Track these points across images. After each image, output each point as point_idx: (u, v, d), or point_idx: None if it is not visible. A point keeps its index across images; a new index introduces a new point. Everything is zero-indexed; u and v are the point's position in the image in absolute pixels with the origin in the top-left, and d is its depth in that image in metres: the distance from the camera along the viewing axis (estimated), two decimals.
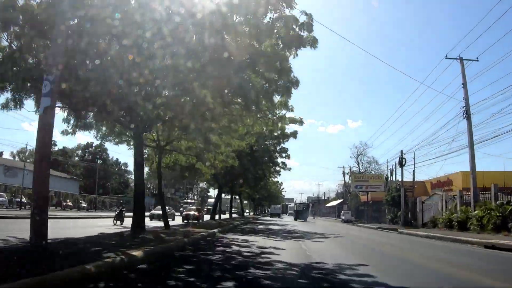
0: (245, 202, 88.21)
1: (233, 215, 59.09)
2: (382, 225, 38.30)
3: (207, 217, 32.22)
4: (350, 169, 75.31)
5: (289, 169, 31.46)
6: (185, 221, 25.08)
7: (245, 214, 69.55)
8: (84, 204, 61.73)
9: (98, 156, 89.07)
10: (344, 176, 73.36)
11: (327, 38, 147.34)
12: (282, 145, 29.83)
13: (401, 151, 35.59)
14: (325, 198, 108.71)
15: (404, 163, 35.25)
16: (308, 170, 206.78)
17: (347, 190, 73.03)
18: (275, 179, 56.94)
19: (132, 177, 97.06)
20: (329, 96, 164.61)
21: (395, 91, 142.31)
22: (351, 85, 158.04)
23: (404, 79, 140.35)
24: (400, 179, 36.18)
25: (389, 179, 46.36)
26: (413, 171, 34.50)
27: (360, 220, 58.11)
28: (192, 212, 25.79)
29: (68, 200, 58.60)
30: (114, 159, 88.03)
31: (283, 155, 30.12)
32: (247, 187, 46.35)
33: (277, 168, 33.32)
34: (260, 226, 28.59)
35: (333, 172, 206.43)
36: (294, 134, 28.51)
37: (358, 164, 75.60)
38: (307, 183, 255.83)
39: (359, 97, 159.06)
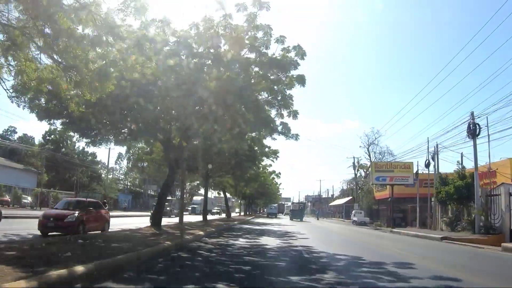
0: (238, 201, 75.79)
1: (214, 216, 45.45)
2: (439, 233, 24.86)
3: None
4: (358, 161, 62.07)
5: (296, 136, 17.58)
6: (45, 231, 11.48)
7: (233, 214, 55.92)
8: (27, 200, 47.48)
9: (61, 145, 74.44)
10: (354, 169, 59.89)
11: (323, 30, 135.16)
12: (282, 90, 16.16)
13: (472, 114, 22.15)
14: (328, 196, 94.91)
15: (478, 131, 21.79)
16: (306, 168, 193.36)
17: (357, 186, 59.57)
18: (270, 168, 43.70)
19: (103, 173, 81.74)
20: (326, 95, 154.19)
21: (392, 91, 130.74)
22: (348, 84, 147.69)
23: (404, 74, 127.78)
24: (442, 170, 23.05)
25: (430, 164, 33.01)
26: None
27: (376, 222, 45.28)
28: (59, 212, 11.54)
29: (5, 195, 44.39)
30: (80, 148, 73.58)
31: (285, 112, 16.26)
32: (230, 176, 32.79)
33: (274, 139, 19.11)
34: (240, 242, 14.82)
35: (335, 168, 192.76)
36: (301, 79, 15.00)
37: (369, 155, 62.40)
38: (304, 181, 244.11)
39: (356, 96, 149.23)
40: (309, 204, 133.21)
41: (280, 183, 64.76)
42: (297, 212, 54.78)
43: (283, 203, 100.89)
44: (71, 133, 20.34)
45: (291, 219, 52.19)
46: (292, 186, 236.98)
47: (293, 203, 72.78)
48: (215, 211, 43.33)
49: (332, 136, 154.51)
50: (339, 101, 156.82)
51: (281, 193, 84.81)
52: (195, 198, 70.01)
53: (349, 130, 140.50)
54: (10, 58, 6.96)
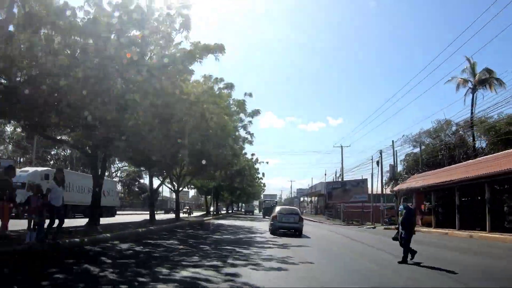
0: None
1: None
2: None
3: None
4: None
5: None
6: None
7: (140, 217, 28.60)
8: None
9: None
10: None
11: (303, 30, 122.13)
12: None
13: None
14: (361, 177, 56.62)
15: None
16: (292, 165, 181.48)
17: None
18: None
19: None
20: (309, 94, 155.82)
21: (373, 87, 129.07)
22: (330, 82, 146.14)
23: (389, 72, 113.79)
24: None
25: None
26: None
27: None
28: None
29: None
30: None
31: None
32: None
33: None
34: None
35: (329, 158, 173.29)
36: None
37: (472, 70, 34.14)
38: (292, 176, 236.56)
39: (338, 94, 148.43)
40: (296, 199, 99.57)
41: (261, 175, 55.05)
42: (270, 210, 53.75)
43: (263, 200, 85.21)
44: None
45: (264, 216, 53.59)
46: (284, 177, 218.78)
47: (265, 201, 70.17)
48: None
49: (315, 134, 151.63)
50: (321, 100, 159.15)
51: (264, 185, 76.02)
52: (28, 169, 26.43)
53: (333, 127, 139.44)
54: None
